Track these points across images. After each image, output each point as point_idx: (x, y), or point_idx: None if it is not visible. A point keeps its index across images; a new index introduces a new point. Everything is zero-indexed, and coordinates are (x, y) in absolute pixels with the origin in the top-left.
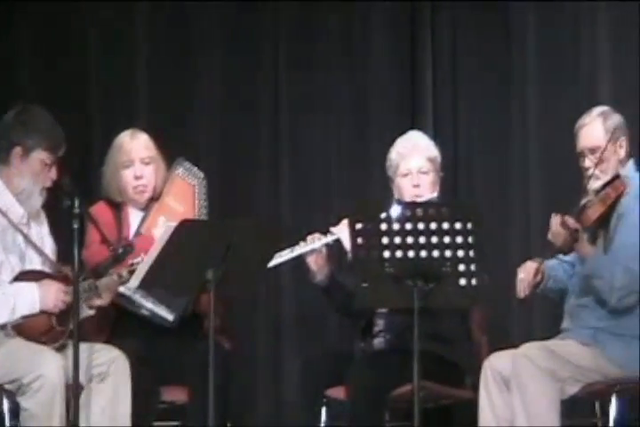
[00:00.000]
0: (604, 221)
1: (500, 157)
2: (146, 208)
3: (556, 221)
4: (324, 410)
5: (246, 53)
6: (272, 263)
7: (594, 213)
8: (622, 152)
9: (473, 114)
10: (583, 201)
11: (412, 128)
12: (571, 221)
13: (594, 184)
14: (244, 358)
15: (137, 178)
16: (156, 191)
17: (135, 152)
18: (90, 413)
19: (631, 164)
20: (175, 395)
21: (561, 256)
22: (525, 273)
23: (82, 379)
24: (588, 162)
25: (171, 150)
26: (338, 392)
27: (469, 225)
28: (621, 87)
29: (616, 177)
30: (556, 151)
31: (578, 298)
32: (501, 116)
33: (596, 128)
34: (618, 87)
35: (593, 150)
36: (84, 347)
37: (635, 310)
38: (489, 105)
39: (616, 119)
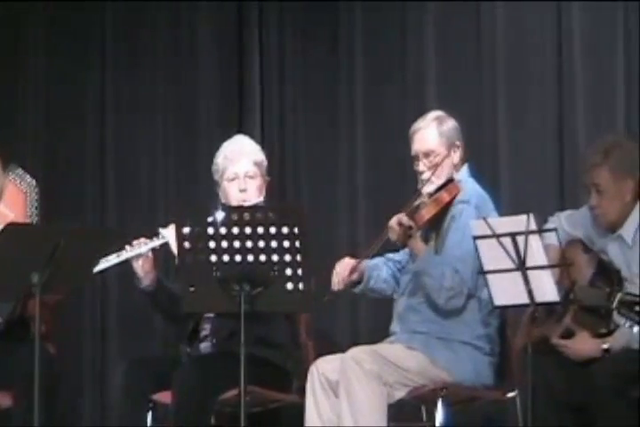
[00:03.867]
0: (437, 222)
1: (328, 158)
2: None
3: (393, 218)
4: (149, 414)
5: (71, 53)
6: (98, 268)
7: (427, 213)
8: (456, 157)
9: (300, 114)
10: (417, 202)
11: (239, 128)
12: (405, 218)
13: (428, 188)
14: (70, 361)
15: None
16: None
17: None
18: None
19: (465, 168)
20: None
21: (389, 255)
22: (341, 268)
23: None
24: (422, 166)
25: None
26: (165, 396)
27: (296, 229)
28: (447, 88)
29: (450, 181)
30: (384, 152)
31: (407, 298)
32: (329, 117)
33: (430, 132)
34: (444, 88)
35: (427, 154)
36: None
37: (460, 314)
38: (316, 105)
39: (450, 124)
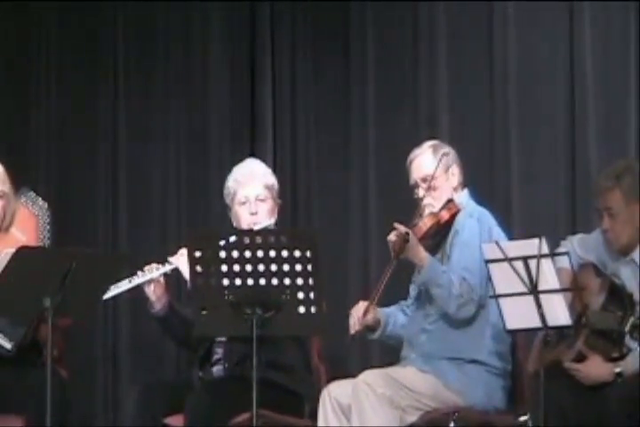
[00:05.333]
0: (440, 240)
1: (339, 184)
2: None
3: (391, 234)
4: None
5: (83, 81)
6: (110, 294)
7: (424, 225)
8: (455, 180)
9: (312, 142)
10: (416, 221)
11: (251, 155)
12: (401, 227)
13: (428, 212)
14: (82, 385)
15: None
16: (3, 225)
17: None
18: None
19: (466, 192)
20: (11, 423)
21: (403, 302)
22: (355, 310)
23: None
24: (421, 192)
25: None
26: (177, 420)
27: (308, 253)
28: (459, 114)
29: (449, 201)
30: (395, 178)
31: (416, 321)
32: (341, 144)
33: (425, 159)
34: (455, 114)
35: (424, 179)
36: None
37: (470, 325)
38: (328, 133)
39: (446, 149)
